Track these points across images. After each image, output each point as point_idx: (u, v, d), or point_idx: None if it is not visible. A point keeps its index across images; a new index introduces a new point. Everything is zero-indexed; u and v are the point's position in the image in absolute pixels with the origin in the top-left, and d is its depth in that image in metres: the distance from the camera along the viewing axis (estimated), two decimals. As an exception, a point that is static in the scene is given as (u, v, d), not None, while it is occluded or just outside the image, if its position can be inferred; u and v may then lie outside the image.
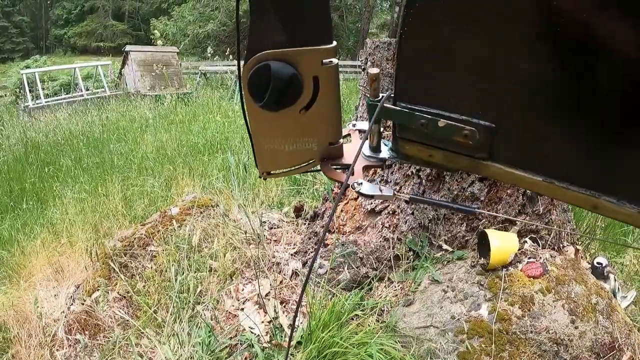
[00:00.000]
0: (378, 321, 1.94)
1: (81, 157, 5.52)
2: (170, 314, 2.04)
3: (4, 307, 2.36)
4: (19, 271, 2.83)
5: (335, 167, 0.82)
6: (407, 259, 2.10)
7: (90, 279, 2.33)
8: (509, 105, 0.63)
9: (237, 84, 11.16)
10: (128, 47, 13.29)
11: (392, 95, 0.69)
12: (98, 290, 2.24)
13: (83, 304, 2.20)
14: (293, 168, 0.84)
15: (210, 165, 4.33)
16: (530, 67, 0.59)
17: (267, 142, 0.79)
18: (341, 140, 0.82)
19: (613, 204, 0.62)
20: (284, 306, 2.10)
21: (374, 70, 0.74)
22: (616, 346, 2.03)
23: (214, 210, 2.64)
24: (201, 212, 2.60)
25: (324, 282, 2.05)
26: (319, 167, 0.84)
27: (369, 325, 1.89)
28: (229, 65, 17.79)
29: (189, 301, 2.09)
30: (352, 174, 0.75)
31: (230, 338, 1.97)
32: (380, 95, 0.72)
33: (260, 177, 0.85)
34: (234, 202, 2.91)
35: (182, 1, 32.28)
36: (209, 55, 23.69)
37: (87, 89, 13.50)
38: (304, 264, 2.21)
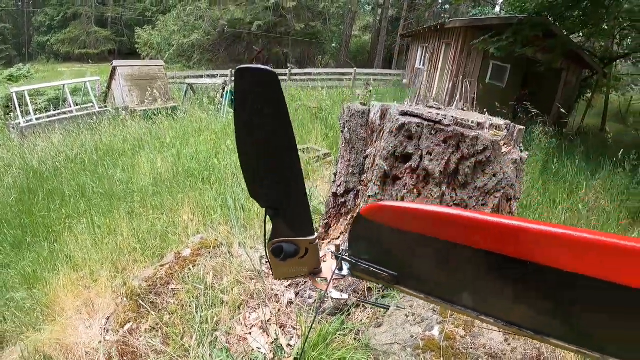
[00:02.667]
0: (355, 339, 2.51)
1: (84, 185, 5.92)
2: (195, 341, 2.60)
3: (49, 341, 2.89)
4: (51, 307, 3.35)
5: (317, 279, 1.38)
6: (378, 290, 2.68)
7: (120, 313, 2.88)
8: (404, 266, 1.19)
9: (225, 97, 11.67)
10: (115, 62, 13.64)
11: (347, 252, 1.25)
12: (129, 322, 2.79)
13: (117, 334, 2.75)
14: (296, 277, 1.41)
15: (207, 196, 4.83)
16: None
17: (283, 272, 1.33)
18: (321, 265, 1.37)
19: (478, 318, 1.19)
20: (283, 329, 2.66)
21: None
22: (543, 358, 2.62)
23: (219, 249, 3.21)
24: (209, 252, 3.17)
25: (312, 310, 2.63)
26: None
27: (348, 343, 2.46)
28: (214, 77, 18.19)
29: (209, 329, 2.66)
30: (327, 287, 1.31)
31: (243, 357, 2.53)
32: (342, 249, 1.28)
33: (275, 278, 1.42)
34: (234, 239, 3.48)
35: (166, 10, 32.42)
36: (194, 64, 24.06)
37: (76, 104, 13.82)
38: (296, 294, 2.78)
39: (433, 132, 2.43)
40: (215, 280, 2.96)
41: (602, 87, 18.33)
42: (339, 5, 29.53)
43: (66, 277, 3.57)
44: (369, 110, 2.81)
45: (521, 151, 2.88)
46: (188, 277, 2.98)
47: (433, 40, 17.14)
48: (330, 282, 1.26)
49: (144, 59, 28.66)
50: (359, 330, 2.59)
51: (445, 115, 2.49)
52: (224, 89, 12.27)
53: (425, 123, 2.43)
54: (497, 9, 27.61)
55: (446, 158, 2.43)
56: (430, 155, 2.45)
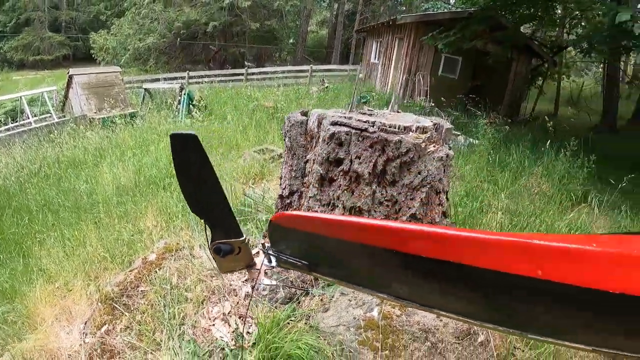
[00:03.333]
0: (306, 324, 2.87)
1: (50, 199, 6.08)
2: (165, 335, 2.93)
3: (35, 349, 3.17)
4: (32, 317, 3.61)
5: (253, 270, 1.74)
6: (323, 280, 3.05)
7: (96, 317, 3.18)
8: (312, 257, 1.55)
9: (182, 101, 11.87)
10: (72, 71, 13.60)
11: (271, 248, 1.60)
12: (105, 324, 3.09)
13: (95, 336, 3.05)
14: (237, 270, 1.75)
15: (169, 202, 5.09)
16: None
17: (225, 267, 1.68)
18: (255, 260, 1.72)
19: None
20: (242, 319, 3.01)
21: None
22: (472, 331, 3.03)
23: (182, 252, 3.53)
24: (172, 255, 3.49)
25: (266, 301, 2.98)
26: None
27: (299, 327, 2.82)
28: (171, 80, 18.26)
29: (176, 324, 2.98)
30: (258, 276, 1.67)
31: (209, 346, 2.87)
32: (267, 245, 1.63)
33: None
34: (195, 242, 3.80)
35: (120, 13, 32.02)
36: (151, 67, 23.94)
37: (35, 115, 13.79)
38: (252, 288, 3.12)
39: (360, 138, 2.80)
40: (179, 280, 3.28)
41: (554, 75, 19.18)
42: (293, 3, 29.70)
43: (42, 289, 3.82)
44: (307, 120, 3.16)
45: (449, 148, 3.29)
46: (155, 279, 3.30)
47: (386, 35, 17.57)
48: (260, 272, 1.61)
49: (99, 64, 28.39)
50: (309, 316, 2.95)
51: (374, 122, 2.87)
52: (181, 92, 12.39)
53: (353, 131, 2.80)
54: (453, 0, 28.18)
55: (373, 161, 2.81)
56: (359, 159, 2.82)
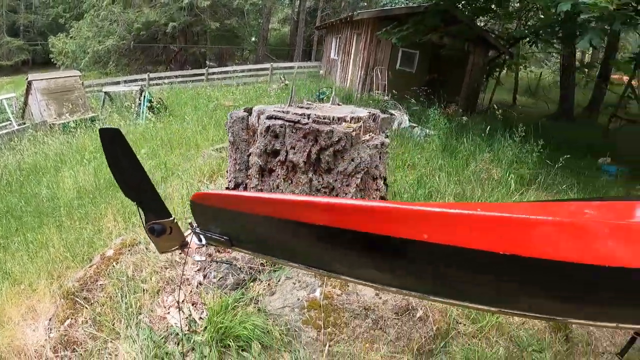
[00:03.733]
0: (254, 307, 3.12)
1: (12, 206, 6.21)
2: (123, 324, 3.14)
3: (2, 346, 3.33)
4: (-1, 318, 3.78)
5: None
6: (271, 265, 3.30)
7: (60, 312, 3.37)
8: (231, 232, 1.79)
9: (142, 102, 11.92)
10: (30, 77, 13.49)
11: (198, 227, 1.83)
12: (68, 319, 3.29)
13: (59, 331, 3.25)
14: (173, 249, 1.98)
15: (127, 202, 5.21)
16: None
17: (162, 247, 1.90)
18: (188, 239, 1.94)
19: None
20: (195, 306, 3.23)
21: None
22: (410, 307, 3.31)
23: (138, 247, 3.74)
24: (129, 250, 3.70)
25: (216, 287, 3.22)
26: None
27: (248, 311, 3.06)
28: (131, 82, 18.21)
29: (134, 314, 3.19)
30: (188, 253, 1.90)
31: (164, 332, 3.09)
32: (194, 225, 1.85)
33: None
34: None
35: (79, 16, 31.49)
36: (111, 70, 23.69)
37: (-6, 122, 13.66)
38: (204, 277, 3.36)
39: (294, 130, 3.04)
40: (135, 273, 3.49)
41: (512, 66, 19.79)
42: (253, 2, 29.69)
43: (8, 292, 3.98)
44: (249, 116, 3.39)
45: (386, 137, 3.56)
46: (113, 273, 3.50)
47: (345, 31, 17.78)
48: (188, 249, 1.83)
49: (59, 68, 27.90)
50: (257, 300, 3.19)
51: (309, 115, 3.12)
52: (141, 94, 12.43)
53: (287, 124, 3.05)
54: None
55: (307, 150, 3.06)
56: (294, 149, 3.07)
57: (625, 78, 13.85)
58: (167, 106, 12.14)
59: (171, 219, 1.73)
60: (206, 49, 29.78)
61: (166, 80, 19.82)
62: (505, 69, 20.59)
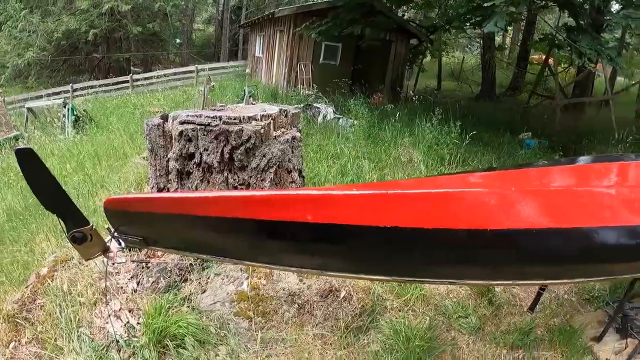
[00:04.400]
0: (188, 307, 3.30)
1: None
2: (65, 339, 3.24)
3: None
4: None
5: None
6: (199, 264, 3.50)
7: (3, 336, 3.42)
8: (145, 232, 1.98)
9: (67, 116, 11.65)
10: (-54, 96, 12.97)
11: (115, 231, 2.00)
12: (12, 341, 3.37)
13: (4, 355, 3.33)
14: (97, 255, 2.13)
15: (57, 220, 5.23)
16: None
17: (86, 254, 2.04)
18: (109, 244, 2.10)
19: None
20: (132, 313, 3.38)
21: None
22: (334, 289, 3.57)
23: (71, 262, 3.85)
24: (63, 266, 3.79)
25: (150, 292, 3.39)
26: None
27: (182, 310, 3.25)
28: (54, 96, 17.66)
29: (74, 327, 3.30)
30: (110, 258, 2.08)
31: (105, 341, 3.22)
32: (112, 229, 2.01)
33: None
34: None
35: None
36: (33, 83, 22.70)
37: None
38: (138, 284, 3.51)
39: (205, 132, 3.23)
40: (71, 287, 3.59)
41: (434, 52, 20.52)
42: (175, 3, 29.15)
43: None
44: (165, 122, 3.51)
45: (298, 131, 3.80)
46: (49, 290, 3.59)
47: (268, 29, 17.87)
48: (108, 252, 2.00)
49: (-22, 85, 26.68)
50: (190, 299, 3.38)
51: (220, 117, 3.31)
52: (65, 107, 12.12)
53: (199, 127, 3.23)
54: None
55: (220, 150, 3.26)
56: (208, 151, 3.26)
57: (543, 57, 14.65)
58: (92, 117, 11.95)
59: (89, 226, 1.89)
60: (130, 54, 29.09)
61: (90, 91, 19.35)
62: (428, 56, 21.35)
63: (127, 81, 20.60)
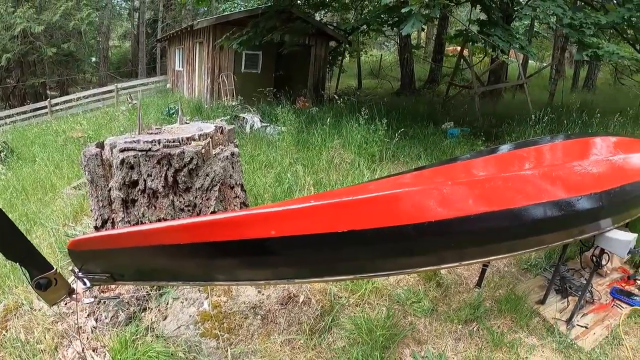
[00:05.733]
0: (152, 336, 3.28)
1: None
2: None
3: None
4: None
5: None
6: (156, 290, 3.48)
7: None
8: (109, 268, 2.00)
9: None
10: None
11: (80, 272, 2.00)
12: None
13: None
14: (62, 299, 2.10)
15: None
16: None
17: (51, 299, 2.02)
18: (74, 286, 2.09)
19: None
20: (95, 351, 3.30)
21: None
22: (292, 295, 3.65)
23: (22, 308, 3.71)
24: (14, 315, 3.66)
25: (111, 327, 3.34)
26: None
27: (147, 340, 3.22)
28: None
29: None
30: (78, 300, 2.07)
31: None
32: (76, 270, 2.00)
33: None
34: (32, 295, 3.95)
35: None
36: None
37: None
38: (96, 320, 3.44)
39: (147, 158, 3.21)
40: (28, 336, 3.47)
41: (353, 53, 20.93)
42: (90, 21, 27.99)
43: None
44: (102, 151, 3.44)
45: (235, 146, 3.85)
46: (5, 342, 3.43)
47: (187, 41, 17.66)
48: (76, 294, 2.00)
49: None
50: (153, 328, 3.35)
51: (159, 140, 3.30)
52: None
53: (140, 153, 3.20)
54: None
55: (163, 175, 3.24)
56: (151, 177, 3.24)
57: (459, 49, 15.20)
58: (13, 149, 11.40)
59: (54, 270, 1.88)
60: (45, 78, 27.75)
61: (7, 120, 18.42)
62: (347, 56, 21.77)
63: (45, 107, 19.64)
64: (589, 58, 8.76)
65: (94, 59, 33.39)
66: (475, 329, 3.74)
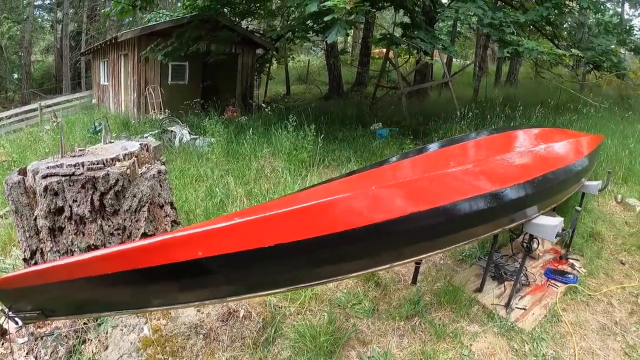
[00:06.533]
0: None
1: None
2: None
3: None
4: None
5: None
6: (94, 321, 3.35)
7: None
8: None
9: None
10: None
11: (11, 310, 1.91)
12: None
13: None
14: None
15: None
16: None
17: None
18: (6, 326, 2.00)
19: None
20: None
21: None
22: (232, 311, 3.61)
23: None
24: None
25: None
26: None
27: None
28: None
29: None
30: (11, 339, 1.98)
31: None
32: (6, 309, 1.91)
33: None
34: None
35: None
36: None
37: None
38: (35, 358, 3.26)
39: (71, 183, 3.10)
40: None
41: (280, 60, 20.93)
42: (10, 35, 26.59)
43: None
44: (24, 178, 3.30)
45: (162, 163, 3.77)
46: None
47: (112, 54, 17.09)
48: (9, 334, 1.92)
49: None
50: (95, 359, 3.23)
51: (83, 163, 3.19)
52: None
53: (63, 178, 3.08)
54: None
55: (89, 199, 3.14)
56: (77, 202, 3.13)
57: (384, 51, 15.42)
58: None
59: (-17, 313, 1.79)
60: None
61: None
62: (275, 63, 21.77)
63: (-40, 132, 18.51)
64: (510, 55, 9.14)
65: (16, 76, 31.84)
66: (417, 324, 3.83)
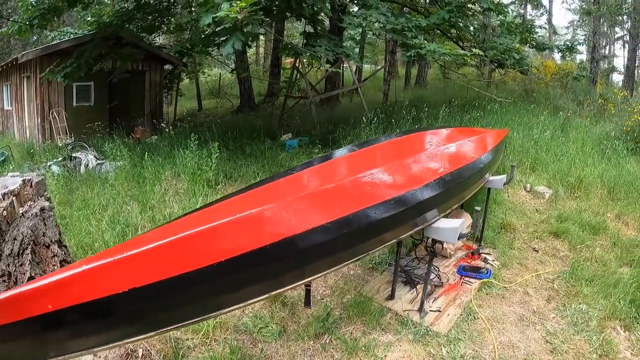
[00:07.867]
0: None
1: None
2: None
3: None
4: None
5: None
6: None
7: None
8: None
9: None
10: None
11: None
12: None
13: None
14: None
15: None
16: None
17: None
18: None
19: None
20: None
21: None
22: (130, 351, 3.40)
23: None
24: None
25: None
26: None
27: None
28: None
29: None
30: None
31: None
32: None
33: None
34: None
35: None
36: None
37: None
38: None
39: None
40: None
41: (190, 75, 20.49)
42: None
43: None
44: None
45: (46, 199, 3.50)
46: None
47: (14, 76, 16.11)
48: None
49: None
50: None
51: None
52: None
53: None
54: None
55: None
56: None
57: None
58: None
59: None
60: None
61: None
62: (186, 78, 21.34)
63: None
64: (413, 57, 9.43)
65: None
66: (327, 341, 3.78)
